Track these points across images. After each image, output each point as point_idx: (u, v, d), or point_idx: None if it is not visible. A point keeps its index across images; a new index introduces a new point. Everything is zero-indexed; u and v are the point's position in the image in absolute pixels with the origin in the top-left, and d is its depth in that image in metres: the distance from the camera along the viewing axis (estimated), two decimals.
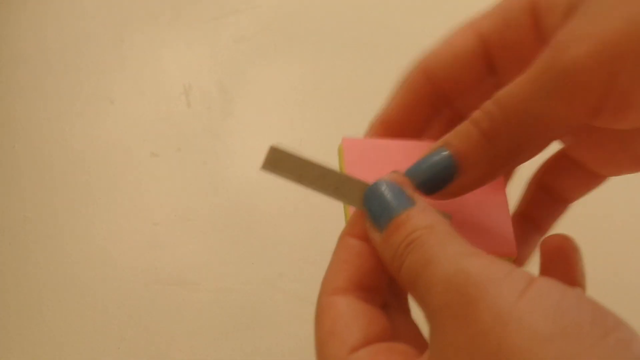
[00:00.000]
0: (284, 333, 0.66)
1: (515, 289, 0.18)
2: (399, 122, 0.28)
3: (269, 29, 0.88)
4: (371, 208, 0.23)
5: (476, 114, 0.24)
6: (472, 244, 0.22)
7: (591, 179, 0.30)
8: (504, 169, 0.24)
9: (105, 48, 0.90)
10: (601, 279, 0.66)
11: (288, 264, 0.70)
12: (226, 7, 0.91)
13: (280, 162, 0.24)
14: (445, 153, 0.24)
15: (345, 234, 0.25)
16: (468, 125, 0.24)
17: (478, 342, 0.18)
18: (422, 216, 0.22)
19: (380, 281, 0.24)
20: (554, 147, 0.29)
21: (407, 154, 0.26)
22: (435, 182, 0.24)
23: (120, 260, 0.73)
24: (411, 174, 0.24)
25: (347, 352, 0.21)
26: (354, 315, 0.22)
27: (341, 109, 0.79)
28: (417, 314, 0.24)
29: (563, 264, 0.27)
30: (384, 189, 0.23)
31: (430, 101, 0.28)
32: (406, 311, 0.26)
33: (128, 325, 0.70)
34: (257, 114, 0.83)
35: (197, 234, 0.75)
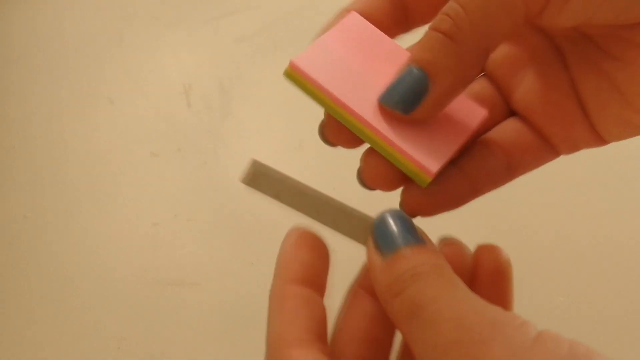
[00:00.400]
0: None
1: (529, 334, 0.18)
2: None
3: (269, 29, 0.88)
4: (380, 232, 0.23)
5: (435, 20, 0.23)
6: (404, 142, 0.22)
7: (543, 151, 0.29)
8: (474, 68, 0.23)
9: (105, 48, 0.90)
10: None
11: None
12: (226, 7, 0.91)
13: (260, 176, 0.24)
14: (412, 68, 0.23)
15: (284, 281, 0.24)
16: (430, 32, 0.23)
17: None
18: (432, 254, 0.22)
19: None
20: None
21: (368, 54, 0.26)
22: (410, 97, 0.23)
23: (120, 260, 0.73)
24: (384, 99, 0.24)
25: None
26: None
27: None
28: None
29: (499, 284, 0.26)
30: (397, 218, 0.23)
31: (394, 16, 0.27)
32: None
33: (128, 325, 0.70)
34: (257, 114, 0.83)
35: (197, 234, 0.75)
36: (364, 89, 0.24)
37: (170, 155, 0.80)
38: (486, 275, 0.25)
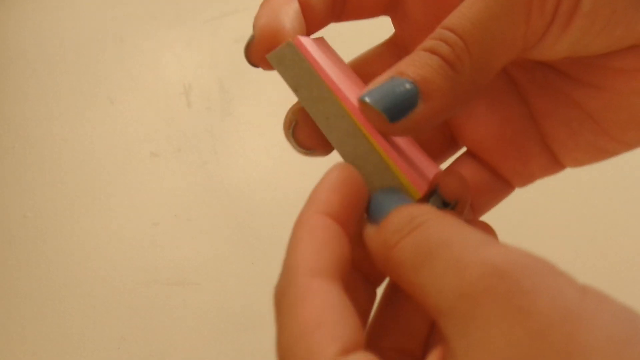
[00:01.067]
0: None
1: (575, 287, 0.16)
2: None
3: None
4: (373, 207, 0.22)
5: (431, 43, 0.22)
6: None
7: (499, 189, 0.28)
8: (468, 95, 0.22)
9: (105, 48, 0.90)
10: None
11: None
12: (226, 7, 0.91)
13: (288, 61, 0.23)
14: (405, 80, 0.22)
15: (318, 211, 0.21)
16: (424, 54, 0.22)
17: (540, 338, 0.15)
18: (430, 208, 0.20)
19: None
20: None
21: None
22: (399, 107, 0.22)
23: (120, 260, 0.73)
24: (372, 100, 0.22)
25: (338, 351, 0.17)
26: (346, 308, 0.19)
27: None
28: None
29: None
30: (388, 192, 0.22)
31: None
32: None
33: (128, 325, 0.70)
34: (257, 114, 0.83)
35: (197, 234, 0.75)
36: (352, 88, 0.24)
37: (170, 155, 0.80)
38: None
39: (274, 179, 0.76)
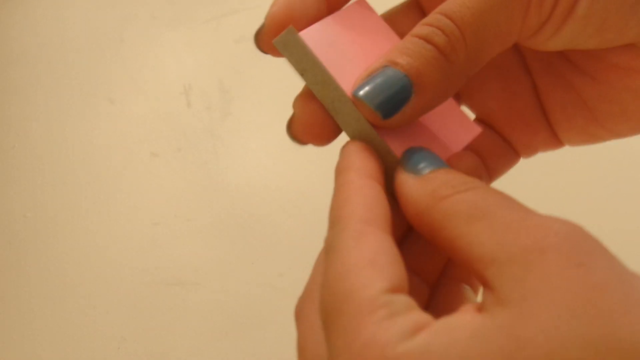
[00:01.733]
0: (284, 333, 0.66)
1: (621, 265, 0.17)
2: None
3: None
4: (413, 156, 0.22)
5: (425, 30, 0.22)
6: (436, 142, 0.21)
7: (510, 156, 0.28)
8: (459, 84, 0.22)
9: (105, 48, 0.90)
10: None
11: (288, 264, 0.70)
12: (226, 7, 0.91)
13: (293, 46, 0.23)
14: (399, 72, 0.21)
15: (362, 175, 0.21)
16: (419, 42, 0.22)
17: (599, 291, 0.16)
18: (475, 179, 0.20)
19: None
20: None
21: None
22: (393, 103, 0.22)
23: (120, 260, 0.73)
24: (366, 97, 0.22)
25: (386, 288, 0.18)
26: (396, 255, 0.19)
27: None
28: None
29: None
30: (428, 151, 0.22)
31: None
32: None
33: (128, 325, 0.70)
34: (257, 114, 0.83)
35: (197, 234, 0.75)
36: (353, 73, 0.24)
37: (170, 155, 0.80)
38: None
39: (274, 179, 0.76)
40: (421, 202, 0.20)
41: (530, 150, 0.27)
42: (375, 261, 0.18)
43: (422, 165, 0.21)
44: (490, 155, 0.27)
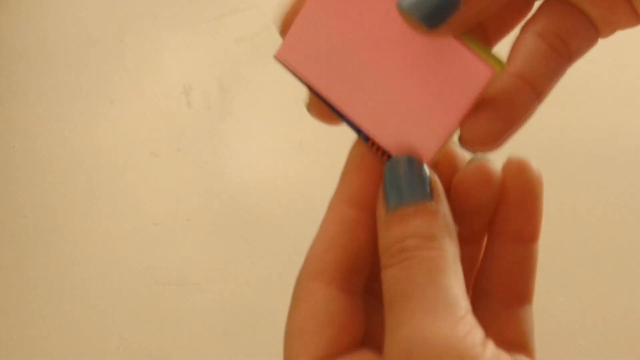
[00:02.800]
0: (284, 333, 0.66)
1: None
2: None
3: (269, 29, 0.88)
4: (389, 179, 0.22)
5: None
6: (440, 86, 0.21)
7: (590, 36, 0.27)
8: (501, 1, 0.22)
9: (105, 48, 0.90)
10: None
11: (288, 264, 0.70)
12: (226, 7, 0.91)
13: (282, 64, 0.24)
14: None
15: (339, 200, 0.22)
16: None
17: None
18: (433, 221, 0.21)
19: (368, 260, 0.22)
20: None
21: None
22: (439, 13, 0.21)
23: (120, 260, 0.73)
24: (409, 8, 0.21)
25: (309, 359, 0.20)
26: (329, 317, 0.21)
27: None
28: None
29: (527, 205, 0.23)
30: (410, 164, 0.22)
31: None
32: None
33: (128, 325, 0.70)
34: (257, 114, 0.83)
35: (197, 234, 0.75)
36: (353, 76, 0.23)
37: (170, 155, 0.80)
38: (514, 196, 0.23)
39: (274, 179, 0.76)
40: (381, 250, 0.21)
41: (612, 27, 0.26)
42: (304, 331, 0.20)
43: (393, 195, 0.21)
44: (569, 34, 0.26)
